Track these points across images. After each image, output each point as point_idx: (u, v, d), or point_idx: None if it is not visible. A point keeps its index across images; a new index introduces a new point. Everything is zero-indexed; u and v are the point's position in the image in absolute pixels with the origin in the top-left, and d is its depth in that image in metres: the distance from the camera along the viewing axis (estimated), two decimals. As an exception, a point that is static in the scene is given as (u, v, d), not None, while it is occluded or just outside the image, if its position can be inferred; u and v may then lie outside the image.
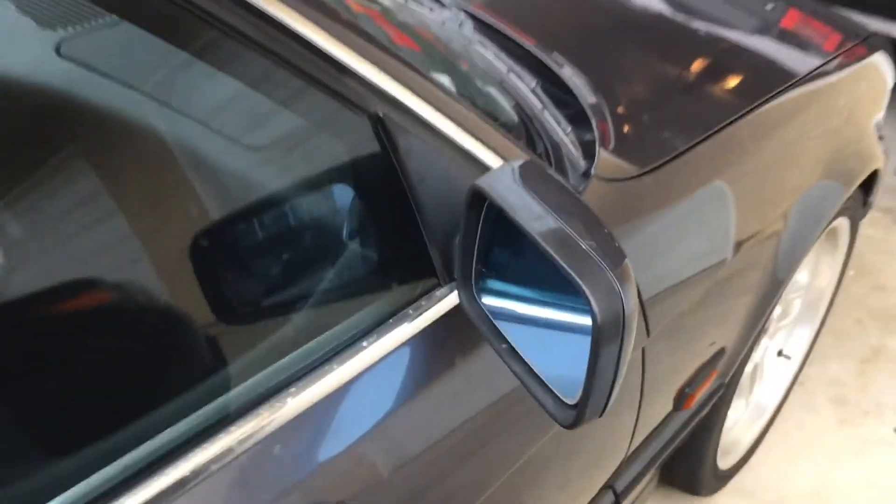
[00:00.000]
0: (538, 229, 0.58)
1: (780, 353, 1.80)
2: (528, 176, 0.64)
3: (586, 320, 0.56)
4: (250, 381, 0.65)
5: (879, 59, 1.56)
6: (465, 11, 1.16)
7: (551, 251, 0.57)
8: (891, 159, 1.82)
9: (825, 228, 1.45)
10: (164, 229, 0.65)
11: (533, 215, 0.59)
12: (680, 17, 1.49)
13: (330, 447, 0.68)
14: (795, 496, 1.74)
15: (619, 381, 0.57)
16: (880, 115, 1.59)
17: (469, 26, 1.13)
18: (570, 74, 1.08)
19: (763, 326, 1.36)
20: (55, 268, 0.57)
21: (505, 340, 0.66)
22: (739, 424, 1.70)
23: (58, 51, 0.58)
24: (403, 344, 0.72)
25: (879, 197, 2.67)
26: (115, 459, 0.57)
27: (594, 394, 0.57)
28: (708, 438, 1.44)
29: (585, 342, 0.57)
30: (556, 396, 0.62)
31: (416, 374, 0.74)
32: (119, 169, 0.60)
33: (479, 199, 0.65)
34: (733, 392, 1.42)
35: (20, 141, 0.56)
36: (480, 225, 0.66)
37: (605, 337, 0.55)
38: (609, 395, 0.57)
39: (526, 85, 1.03)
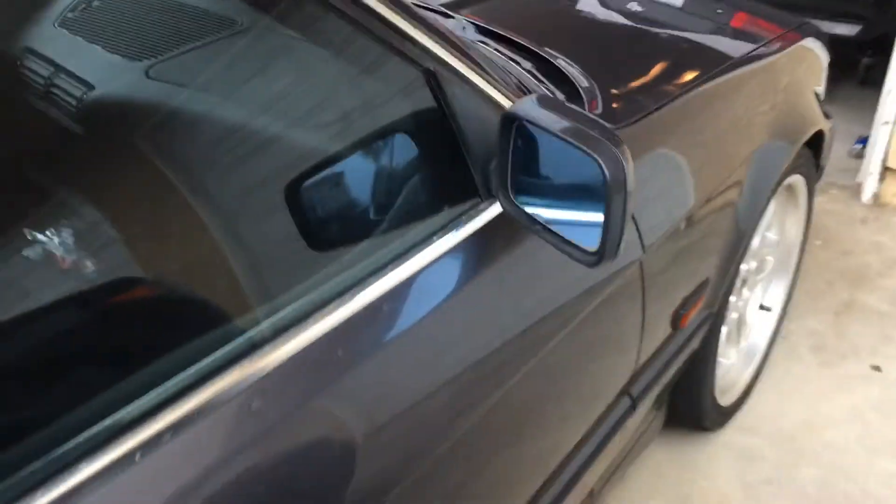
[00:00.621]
0: (558, 128, 0.83)
1: (761, 307, 2.04)
2: (544, 100, 0.90)
3: (598, 185, 0.81)
4: (332, 281, 0.84)
5: (811, 43, 1.86)
6: (466, 19, 1.43)
7: (570, 139, 0.81)
8: (846, 144, 2.08)
9: (780, 181, 1.70)
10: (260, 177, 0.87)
11: (553, 120, 0.84)
12: (647, 25, 1.79)
13: (399, 326, 0.89)
14: (791, 428, 1.96)
15: (625, 224, 0.81)
16: (820, 87, 1.88)
17: (471, 29, 1.40)
18: (562, 64, 1.34)
19: (737, 265, 1.60)
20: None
21: (538, 222, 0.90)
22: (733, 369, 1.94)
23: (147, 73, 0.82)
24: (455, 248, 0.95)
25: (838, 177, 2.97)
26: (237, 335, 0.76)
27: (610, 235, 0.81)
28: (704, 369, 1.67)
29: (600, 202, 0.81)
30: (582, 249, 0.86)
31: (465, 270, 0.98)
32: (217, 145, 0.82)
33: (509, 122, 0.90)
34: (720, 324, 1.66)
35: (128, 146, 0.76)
36: (511, 143, 0.91)
37: (614, 189, 0.79)
38: (620, 236, 0.81)
39: (523, 69, 1.29)
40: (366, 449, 0.83)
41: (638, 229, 1.18)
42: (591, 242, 0.85)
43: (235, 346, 0.74)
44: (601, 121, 0.86)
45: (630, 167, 0.80)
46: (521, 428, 1.10)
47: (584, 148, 0.80)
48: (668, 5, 1.93)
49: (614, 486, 1.61)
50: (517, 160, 0.92)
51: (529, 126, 0.88)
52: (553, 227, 0.89)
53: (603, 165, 0.79)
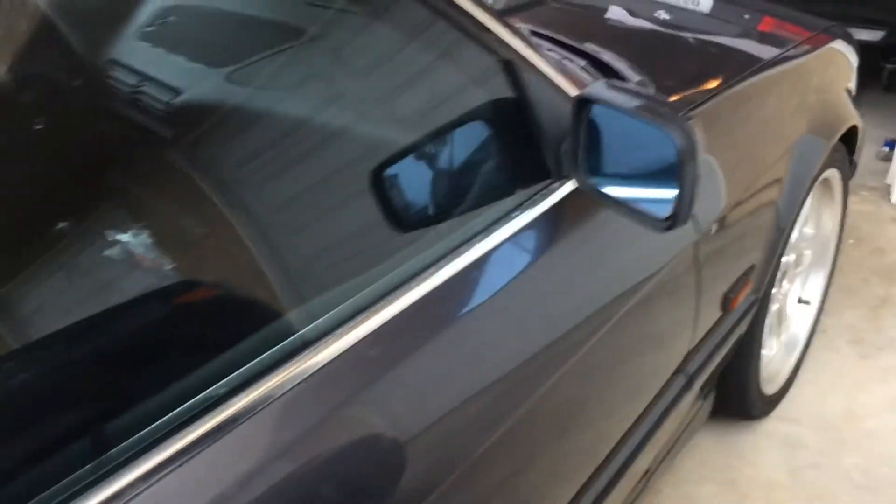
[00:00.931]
0: (631, 106, 0.92)
1: (800, 300, 2.11)
2: (613, 85, 0.98)
3: (670, 157, 0.89)
4: (411, 261, 0.91)
5: (840, 44, 1.94)
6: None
7: (643, 116, 0.90)
8: (874, 148, 2.13)
9: (817, 175, 1.77)
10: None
11: (626, 100, 0.93)
12: (676, 31, 1.87)
13: (475, 301, 0.96)
14: (832, 417, 2.01)
15: (697, 189, 0.89)
16: (851, 84, 1.95)
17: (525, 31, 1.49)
18: (609, 59, 1.43)
19: (780, 253, 1.67)
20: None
21: (611, 197, 0.99)
22: (776, 359, 2.00)
23: (228, 78, 0.88)
24: (528, 226, 1.03)
25: (867, 179, 3.03)
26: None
27: (682, 201, 0.89)
28: (751, 356, 1.73)
29: (670, 172, 0.90)
30: (654, 217, 0.94)
31: (540, 244, 1.06)
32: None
33: (581, 105, 0.98)
34: (765, 311, 1.72)
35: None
36: (583, 124, 0.99)
37: (686, 158, 0.87)
38: (691, 201, 0.89)
39: (576, 65, 1.38)
40: (439, 425, 0.87)
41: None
42: (663, 211, 0.93)
43: (312, 329, 0.80)
44: (667, 100, 0.94)
45: (699, 137, 0.88)
46: (583, 408, 1.17)
47: (657, 123, 0.88)
48: (695, 12, 2.01)
49: (664, 472, 1.67)
50: (589, 140, 1.00)
51: (602, 107, 0.96)
52: (625, 200, 0.97)
53: (676, 137, 0.87)
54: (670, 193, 0.90)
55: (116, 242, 0.71)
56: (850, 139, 1.95)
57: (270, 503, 0.70)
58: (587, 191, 1.02)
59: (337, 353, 0.79)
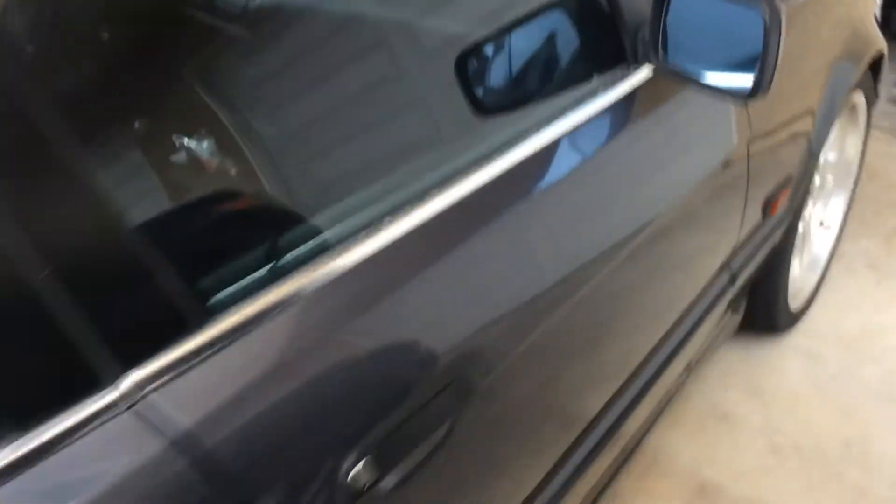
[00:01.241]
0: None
1: (821, 224, 2.19)
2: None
3: (752, 33, 0.96)
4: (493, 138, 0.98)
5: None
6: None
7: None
8: (885, 91, 2.19)
9: (847, 97, 1.85)
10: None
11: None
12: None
13: (551, 178, 1.03)
14: (851, 334, 2.11)
15: (778, 61, 0.96)
16: (877, 10, 2.02)
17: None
18: None
19: (812, 168, 1.75)
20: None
21: (693, 75, 1.06)
22: (799, 277, 2.09)
23: None
24: (605, 110, 1.10)
25: (879, 120, 3.10)
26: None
27: (766, 71, 0.96)
28: (781, 268, 1.82)
29: (751, 47, 0.97)
30: (735, 90, 1.01)
31: (614, 130, 1.13)
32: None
33: (664, -10, 1.05)
34: (797, 225, 1.81)
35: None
36: (664, 8, 1.06)
37: (772, 30, 0.94)
38: (773, 71, 0.96)
39: None
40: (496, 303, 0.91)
41: (748, 112, 1.33)
42: (743, 84, 1.00)
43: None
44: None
45: (784, 10, 0.95)
46: (640, 295, 1.24)
47: (747, 3, 0.95)
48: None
49: (692, 379, 1.77)
50: (669, 24, 1.07)
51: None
52: (705, 79, 1.05)
53: (762, 12, 0.94)
54: (748, 71, 0.97)
55: (187, 148, 0.74)
56: (874, 66, 2.02)
57: (314, 388, 0.71)
58: (668, 71, 1.09)
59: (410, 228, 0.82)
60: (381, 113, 0.96)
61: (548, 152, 1.02)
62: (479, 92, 1.07)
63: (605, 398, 1.23)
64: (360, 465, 0.70)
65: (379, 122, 0.96)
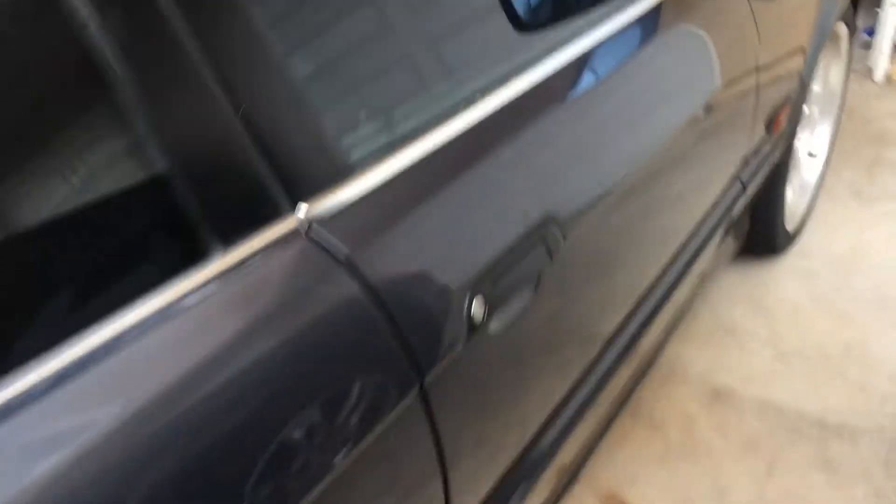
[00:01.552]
0: None
1: (809, 154, 2.34)
2: None
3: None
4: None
5: None
6: None
7: None
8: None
9: (833, 27, 1.98)
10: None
11: None
12: None
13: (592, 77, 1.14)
14: (842, 252, 2.26)
15: None
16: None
17: None
18: None
19: (804, 93, 1.88)
20: None
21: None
22: (793, 201, 2.23)
23: None
24: (636, 21, 1.20)
25: (852, 63, 3.25)
26: None
27: None
28: (780, 186, 1.95)
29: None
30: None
31: (647, 35, 1.24)
32: None
33: None
34: (793, 146, 1.94)
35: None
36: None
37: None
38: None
39: None
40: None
41: (756, 21, 1.45)
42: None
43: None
44: None
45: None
46: (662, 208, 1.32)
47: None
48: None
49: (700, 299, 1.88)
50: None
51: None
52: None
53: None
54: None
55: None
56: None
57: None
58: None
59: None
60: (426, 30, 0.99)
61: (578, 64, 1.10)
62: (521, 6, 1.17)
63: (623, 315, 1.29)
64: (476, 302, 0.81)
65: (427, 38, 1.04)
